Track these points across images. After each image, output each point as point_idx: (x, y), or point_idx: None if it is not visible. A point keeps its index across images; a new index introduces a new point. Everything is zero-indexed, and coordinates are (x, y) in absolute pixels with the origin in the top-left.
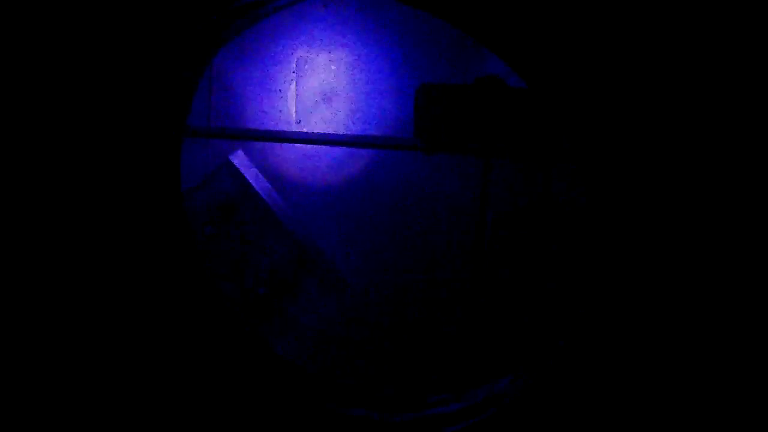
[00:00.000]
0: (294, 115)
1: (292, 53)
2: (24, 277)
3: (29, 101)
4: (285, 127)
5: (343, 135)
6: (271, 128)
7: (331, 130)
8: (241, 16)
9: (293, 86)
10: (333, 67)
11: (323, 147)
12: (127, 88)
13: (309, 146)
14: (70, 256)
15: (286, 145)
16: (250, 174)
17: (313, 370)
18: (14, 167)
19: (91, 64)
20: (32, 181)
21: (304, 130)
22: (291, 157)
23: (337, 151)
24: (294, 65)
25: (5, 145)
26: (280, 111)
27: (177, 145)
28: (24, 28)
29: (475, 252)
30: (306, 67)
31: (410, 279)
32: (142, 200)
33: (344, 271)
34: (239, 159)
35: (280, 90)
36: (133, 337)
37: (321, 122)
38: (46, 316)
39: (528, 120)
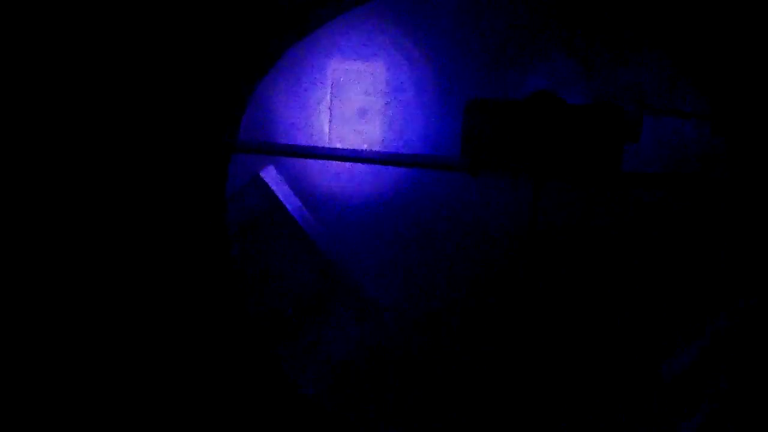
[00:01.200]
0: (327, 131)
1: (326, 66)
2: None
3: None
4: (318, 143)
5: (379, 152)
6: (304, 143)
7: (366, 147)
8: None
9: (327, 100)
10: (369, 81)
11: (358, 164)
12: (182, 105)
13: (343, 163)
14: (112, 262)
15: (318, 161)
16: (281, 190)
17: (337, 403)
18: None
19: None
20: (98, 189)
21: (338, 146)
22: (324, 173)
23: (373, 169)
24: (328, 78)
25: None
26: (313, 125)
27: (225, 163)
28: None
29: (522, 279)
30: (341, 80)
31: (449, 307)
32: (186, 214)
33: (376, 295)
34: (270, 174)
35: (313, 104)
36: (157, 344)
37: (356, 138)
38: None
39: (585, 139)
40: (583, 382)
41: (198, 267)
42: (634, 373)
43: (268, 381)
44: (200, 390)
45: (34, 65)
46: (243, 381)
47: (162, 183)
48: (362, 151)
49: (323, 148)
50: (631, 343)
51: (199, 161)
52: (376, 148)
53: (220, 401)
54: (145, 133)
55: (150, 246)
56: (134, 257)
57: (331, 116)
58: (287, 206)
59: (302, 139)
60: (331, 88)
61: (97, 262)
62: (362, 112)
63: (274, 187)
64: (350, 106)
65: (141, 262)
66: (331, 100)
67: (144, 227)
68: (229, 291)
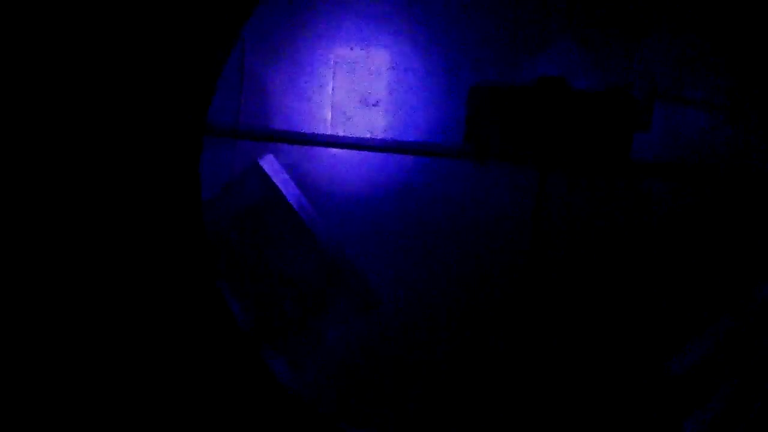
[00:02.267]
0: (329, 118)
1: (328, 53)
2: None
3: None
4: (319, 131)
5: (382, 140)
6: (304, 131)
7: (368, 135)
8: None
9: (329, 87)
10: (372, 68)
11: (360, 153)
12: (137, 75)
13: (344, 152)
14: (77, 260)
15: (319, 149)
16: (280, 179)
17: (335, 399)
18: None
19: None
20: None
21: (340, 133)
22: (324, 162)
23: (375, 158)
24: (331, 65)
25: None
26: (315, 113)
27: (196, 145)
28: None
29: (527, 272)
30: (343, 67)
31: (452, 300)
32: (153, 204)
33: (378, 288)
34: (268, 163)
35: (314, 91)
36: (135, 345)
37: (358, 126)
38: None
39: (593, 127)
40: (588, 379)
41: (170, 258)
42: (640, 369)
43: (252, 381)
44: (175, 391)
45: None
46: (225, 382)
47: (125, 160)
48: (364, 138)
49: (324, 135)
50: (638, 339)
51: (167, 137)
52: (379, 136)
53: (199, 403)
54: (98, 97)
55: (114, 232)
56: (98, 244)
57: (333, 104)
58: (286, 196)
59: (303, 127)
60: (334, 75)
61: (59, 250)
62: (365, 100)
63: (272, 176)
64: (353, 93)
65: (106, 250)
66: (333, 88)
67: (104, 210)
68: (205, 287)
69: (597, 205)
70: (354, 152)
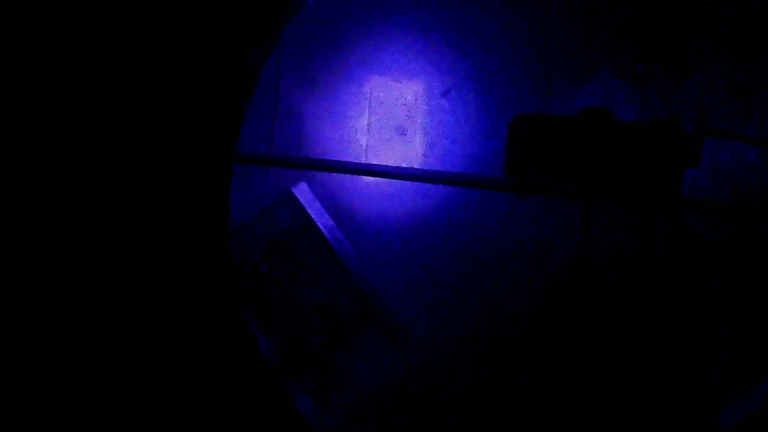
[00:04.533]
0: (364, 147)
1: (365, 82)
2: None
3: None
4: (354, 160)
5: (418, 170)
6: (339, 159)
7: (404, 165)
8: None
9: (365, 117)
10: (409, 98)
11: (395, 183)
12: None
13: (379, 181)
14: (96, 286)
15: (353, 179)
16: (313, 208)
17: None
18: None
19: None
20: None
21: (375, 163)
22: (359, 192)
23: (410, 188)
24: (366, 95)
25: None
26: (349, 142)
27: (225, 172)
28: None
29: (572, 308)
30: (379, 96)
31: (489, 336)
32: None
33: (411, 323)
34: (302, 191)
35: (350, 120)
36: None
37: (394, 156)
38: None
39: (641, 160)
40: (635, 425)
41: (195, 286)
42: (691, 417)
43: (276, 416)
44: (196, 424)
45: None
46: (248, 415)
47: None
48: (399, 168)
49: (359, 163)
50: (689, 386)
51: (188, 172)
52: (415, 165)
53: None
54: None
55: (139, 257)
56: (121, 268)
57: (369, 133)
58: (319, 225)
59: (338, 156)
60: (369, 104)
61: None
62: (402, 130)
63: (305, 204)
64: (388, 123)
65: (130, 275)
66: (369, 117)
67: (130, 235)
68: (230, 316)
69: (646, 240)
70: (389, 182)
